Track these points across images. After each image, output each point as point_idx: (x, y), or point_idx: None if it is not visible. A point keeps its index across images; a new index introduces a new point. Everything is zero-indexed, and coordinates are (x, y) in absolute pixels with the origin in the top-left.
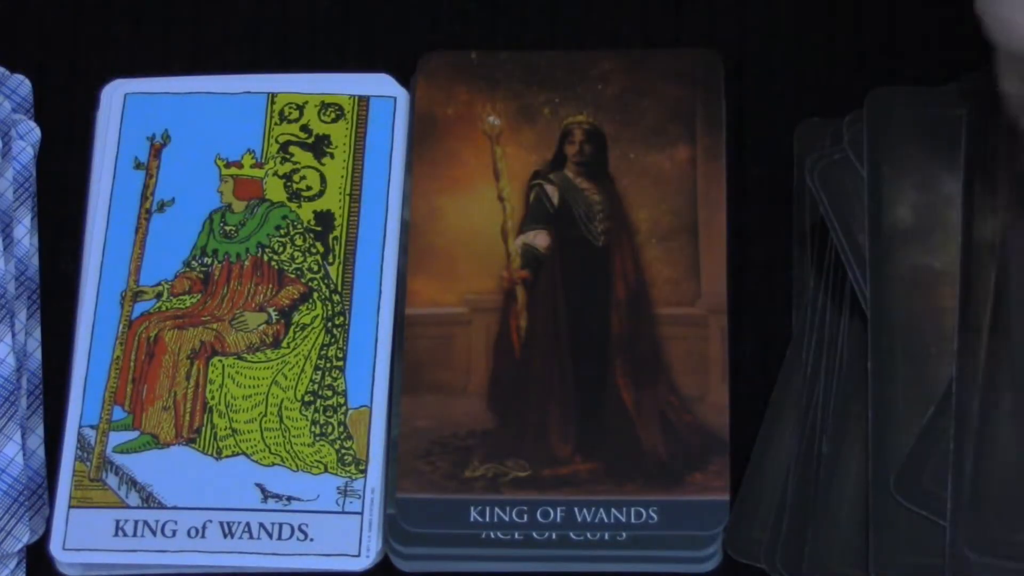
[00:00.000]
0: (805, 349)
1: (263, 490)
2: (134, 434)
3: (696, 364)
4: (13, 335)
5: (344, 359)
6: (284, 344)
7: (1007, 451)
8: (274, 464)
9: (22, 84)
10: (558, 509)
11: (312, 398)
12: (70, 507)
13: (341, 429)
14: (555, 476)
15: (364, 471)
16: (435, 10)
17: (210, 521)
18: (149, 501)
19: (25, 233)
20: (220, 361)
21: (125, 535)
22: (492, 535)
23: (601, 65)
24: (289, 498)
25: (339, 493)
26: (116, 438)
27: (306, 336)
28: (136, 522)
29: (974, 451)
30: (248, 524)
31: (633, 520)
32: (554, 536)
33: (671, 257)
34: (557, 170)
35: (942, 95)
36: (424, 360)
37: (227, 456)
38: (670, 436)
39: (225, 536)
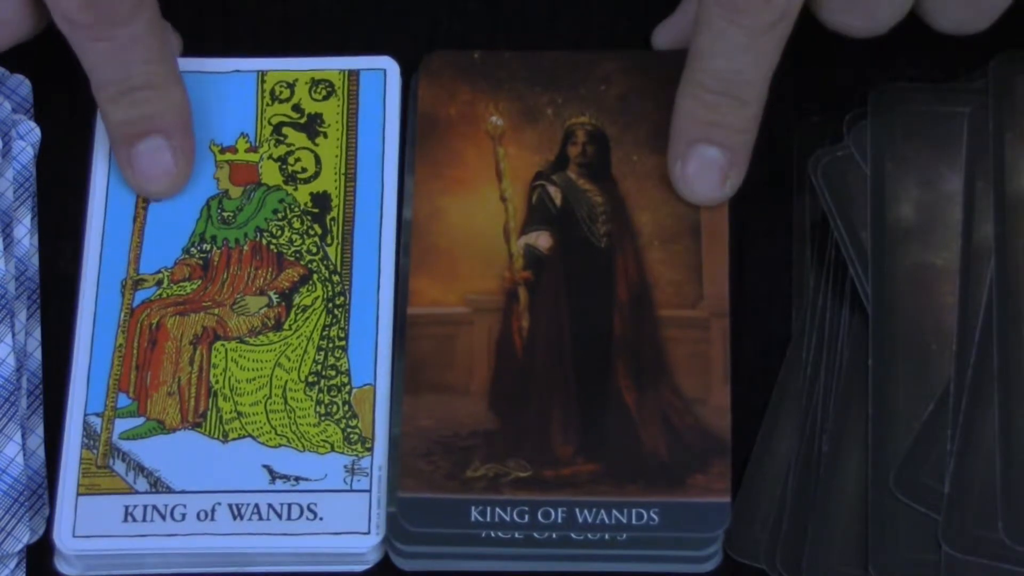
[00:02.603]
0: (805, 348)
1: (270, 471)
2: (140, 420)
3: (698, 366)
4: (13, 335)
5: (346, 339)
6: (286, 326)
7: (989, 449)
8: (280, 445)
9: (22, 84)
10: (559, 510)
11: (316, 378)
12: (78, 495)
13: (346, 408)
14: (556, 477)
15: (370, 449)
16: (436, 10)
17: (219, 504)
18: (157, 486)
19: (25, 233)
20: (223, 345)
21: (135, 520)
22: (493, 535)
23: (604, 66)
24: (297, 478)
25: (347, 471)
26: (122, 425)
27: (307, 318)
28: (145, 507)
29: (957, 449)
30: (257, 505)
31: (634, 521)
32: (555, 536)
33: (673, 260)
34: (560, 171)
35: (945, 92)
36: (426, 360)
37: (233, 439)
38: (672, 438)
39: (234, 518)
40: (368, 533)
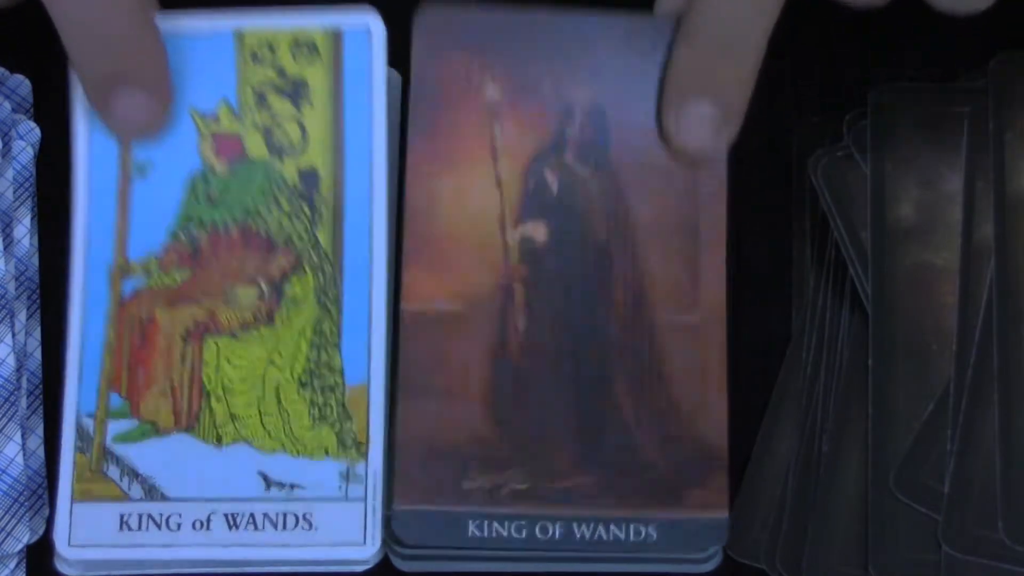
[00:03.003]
0: (805, 348)
1: (265, 478)
2: (133, 423)
3: (695, 376)
4: (13, 335)
5: (339, 334)
6: (277, 320)
7: (989, 449)
8: (275, 451)
9: (22, 84)
10: (557, 525)
11: (309, 378)
12: (73, 501)
13: (340, 410)
14: (554, 489)
15: (365, 454)
16: None
17: (214, 513)
18: (152, 493)
19: (25, 233)
20: (214, 342)
21: (130, 529)
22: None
23: (605, 33)
24: (292, 486)
25: (341, 479)
26: (115, 427)
27: (299, 311)
28: (140, 515)
29: (957, 449)
30: (252, 515)
31: (632, 538)
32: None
33: (671, 258)
34: (557, 154)
35: (945, 92)
36: (420, 363)
37: (228, 443)
38: (670, 451)
39: (230, 528)
40: (364, 544)
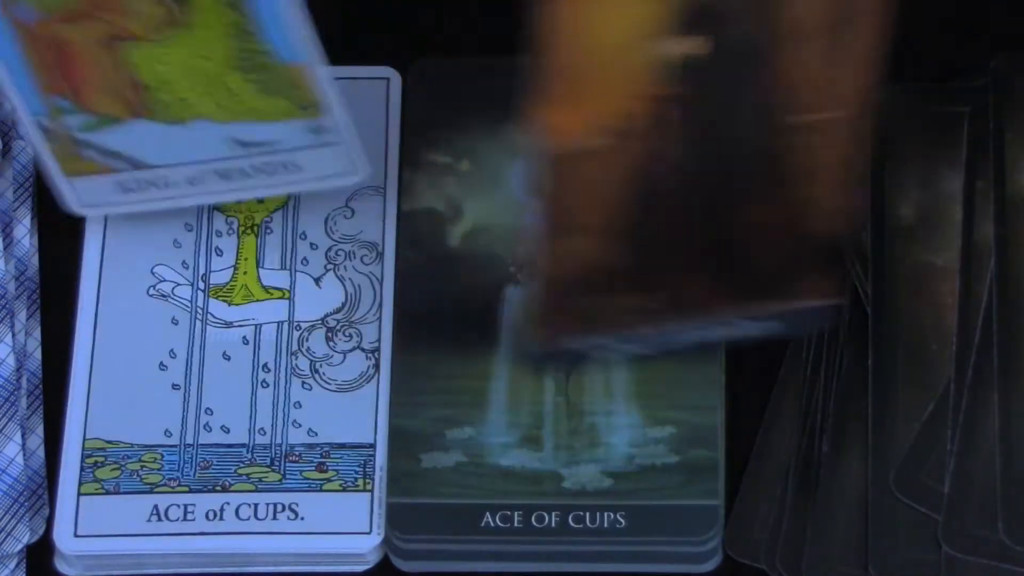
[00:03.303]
0: (805, 348)
1: (239, 141)
2: (88, 116)
3: (823, 176)
4: (13, 335)
5: (257, 20)
6: (192, 22)
7: (989, 449)
8: (237, 121)
9: None
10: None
11: (245, 62)
12: (67, 174)
13: (285, 84)
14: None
15: (322, 111)
16: None
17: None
18: (137, 165)
19: (25, 233)
20: (136, 49)
21: (131, 191)
22: (492, 524)
23: None
24: (266, 143)
25: (312, 132)
26: (73, 121)
27: (210, 7)
28: (137, 180)
29: (957, 449)
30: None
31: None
32: (554, 523)
33: (823, 57)
34: None
35: (945, 92)
36: (567, 201)
37: (189, 120)
38: (783, 250)
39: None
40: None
